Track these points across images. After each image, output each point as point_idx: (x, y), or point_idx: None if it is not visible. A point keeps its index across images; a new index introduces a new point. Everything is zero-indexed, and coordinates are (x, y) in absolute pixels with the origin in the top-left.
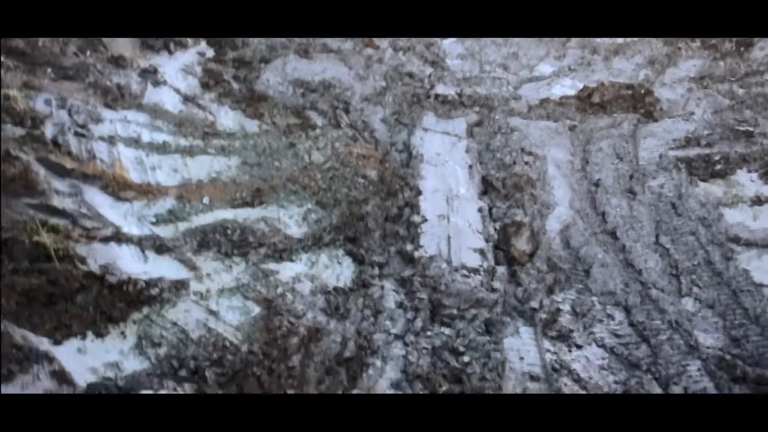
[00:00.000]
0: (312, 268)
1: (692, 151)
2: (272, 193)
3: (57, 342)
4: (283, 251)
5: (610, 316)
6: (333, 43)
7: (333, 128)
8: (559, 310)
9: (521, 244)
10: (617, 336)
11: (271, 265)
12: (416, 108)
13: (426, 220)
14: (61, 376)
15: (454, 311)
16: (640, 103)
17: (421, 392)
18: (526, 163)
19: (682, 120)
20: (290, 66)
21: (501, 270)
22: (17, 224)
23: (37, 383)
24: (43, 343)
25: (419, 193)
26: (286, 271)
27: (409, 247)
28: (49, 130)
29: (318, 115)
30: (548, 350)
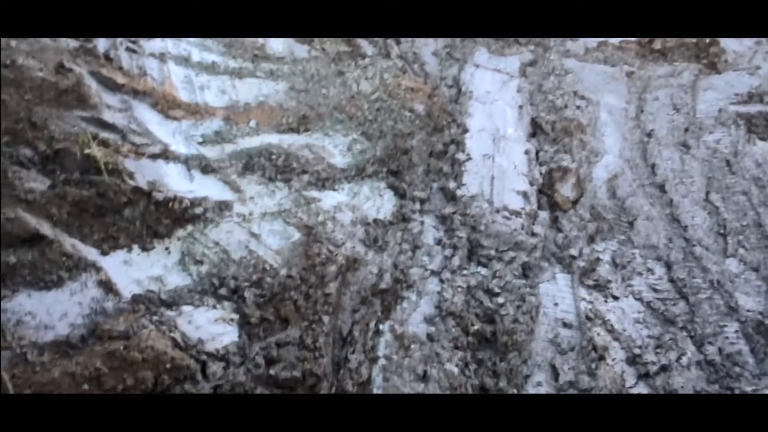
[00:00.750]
0: (353, 198)
1: (754, 108)
2: (318, 121)
3: (104, 253)
4: (326, 180)
5: (650, 270)
6: None
7: (383, 58)
8: (598, 259)
9: (566, 190)
10: (655, 291)
11: (314, 193)
12: (469, 42)
13: (471, 158)
14: (107, 285)
15: (492, 252)
16: (703, 53)
17: (453, 329)
18: (578, 107)
19: (747, 74)
20: None
21: (543, 215)
22: (69, 136)
23: (85, 291)
24: (92, 253)
25: (466, 130)
26: (328, 199)
27: (451, 184)
28: (101, 44)
29: (368, 44)
30: (583, 299)
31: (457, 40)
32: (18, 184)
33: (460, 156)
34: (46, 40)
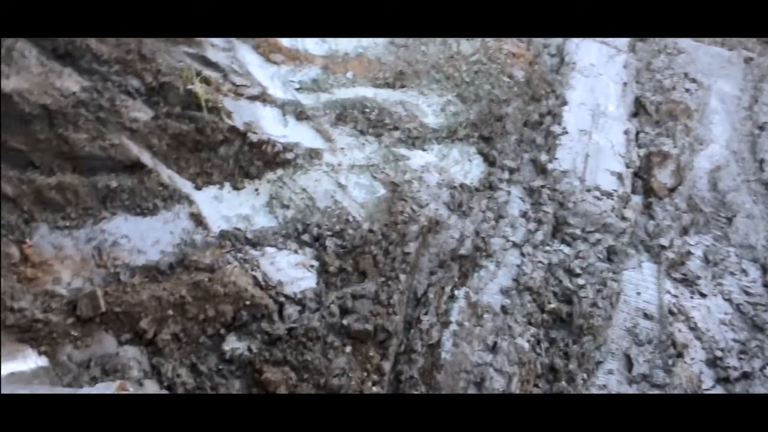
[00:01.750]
0: (442, 160)
1: None
2: (415, 78)
3: (198, 187)
4: (417, 138)
5: (744, 272)
6: None
7: None
8: (689, 253)
9: (663, 176)
10: (747, 293)
11: (403, 150)
12: None
13: (566, 132)
14: (197, 218)
15: (578, 231)
16: None
17: (529, 304)
18: (687, 90)
19: None
20: None
21: (636, 199)
22: (175, 71)
23: (177, 221)
24: (186, 186)
25: (565, 102)
26: (416, 158)
27: (543, 157)
28: None
29: None
30: (668, 292)
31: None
32: (124, 113)
33: (556, 129)
34: None
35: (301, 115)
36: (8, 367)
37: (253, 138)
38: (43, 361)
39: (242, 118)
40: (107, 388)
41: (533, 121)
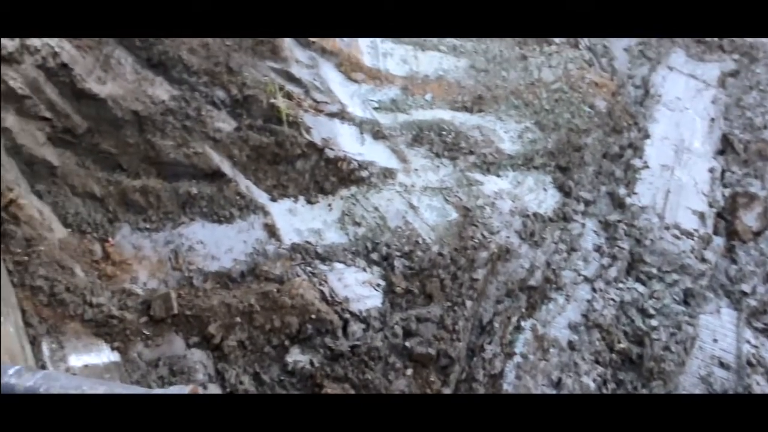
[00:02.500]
0: (516, 187)
1: None
2: (493, 103)
3: (273, 199)
4: (492, 164)
5: None
6: None
7: (570, 48)
8: None
9: (749, 219)
10: None
11: (477, 175)
12: (666, 42)
13: (648, 166)
14: (271, 229)
15: (654, 270)
16: None
17: (597, 342)
18: None
19: None
20: None
21: (718, 241)
22: (259, 84)
23: (251, 231)
24: (262, 197)
25: (647, 136)
26: (490, 184)
27: (622, 190)
28: None
29: None
30: (748, 341)
31: (653, 39)
32: (208, 122)
33: (637, 162)
34: None
35: (378, 134)
36: (83, 359)
37: (330, 154)
38: (115, 357)
39: (320, 134)
40: (180, 390)
41: (613, 154)
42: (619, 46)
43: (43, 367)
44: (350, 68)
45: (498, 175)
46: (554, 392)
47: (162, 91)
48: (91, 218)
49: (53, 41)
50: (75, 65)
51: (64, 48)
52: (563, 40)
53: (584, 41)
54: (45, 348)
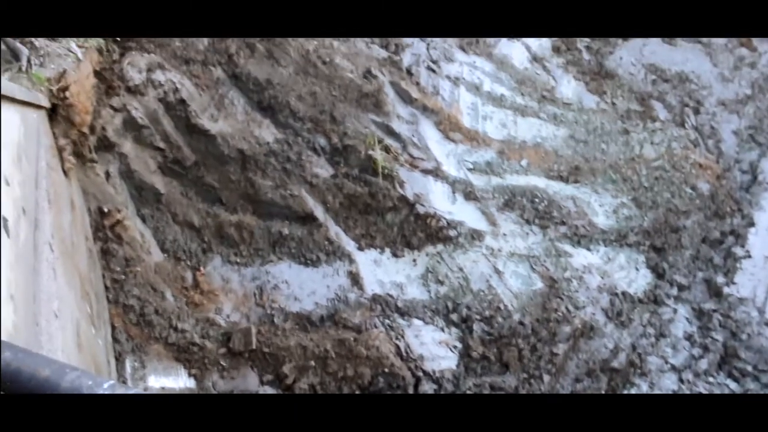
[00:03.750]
0: (606, 263)
1: None
2: (590, 175)
3: (360, 248)
4: (583, 237)
5: None
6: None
7: (675, 126)
8: None
9: None
10: None
11: (567, 247)
12: None
13: (750, 256)
14: (354, 278)
15: (749, 368)
16: None
17: None
18: None
19: None
20: (649, 49)
21: None
22: (359, 135)
23: (335, 277)
24: (350, 245)
25: (751, 224)
26: (580, 257)
27: (720, 279)
28: (406, 59)
29: (663, 107)
30: None
31: (765, 122)
32: (307, 167)
33: (738, 251)
34: (362, 46)
35: (470, 195)
36: (161, 381)
37: (421, 210)
38: (191, 383)
39: (413, 189)
40: None
41: (713, 239)
42: (727, 128)
43: (124, 383)
44: (449, 127)
45: (588, 249)
46: None
47: (268, 133)
48: (187, 246)
49: (176, 77)
50: (192, 101)
51: (184, 85)
52: (668, 117)
53: (691, 120)
54: (128, 365)
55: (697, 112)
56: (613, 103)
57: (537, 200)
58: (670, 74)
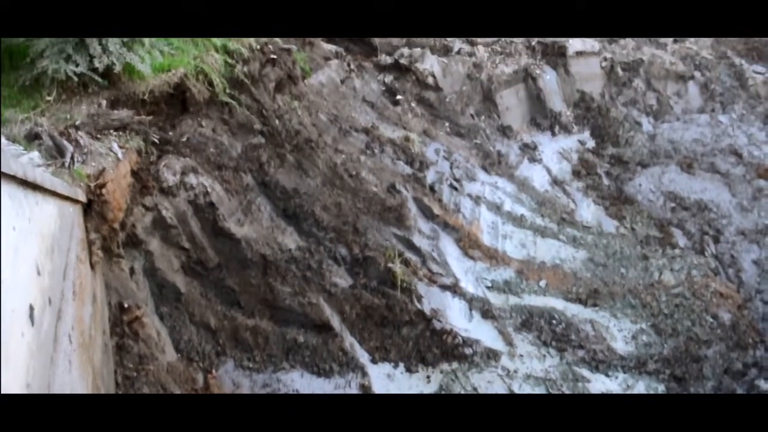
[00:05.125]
0: (625, 390)
1: None
2: (609, 299)
3: (374, 360)
4: (601, 362)
5: None
6: (722, 165)
7: (695, 253)
8: None
9: None
10: None
11: (584, 371)
12: None
13: None
14: (366, 392)
15: None
16: None
17: None
18: None
19: None
20: (668, 177)
21: None
22: (380, 247)
23: (347, 389)
24: (364, 357)
25: None
26: (598, 383)
27: None
28: (430, 176)
29: (683, 234)
30: None
31: None
32: (327, 276)
33: (762, 384)
34: (388, 162)
35: (488, 313)
36: None
37: (437, 325)
38: None
39: (431, 304)
40: None
41: (735, 370)
42: (747, 258)
43: None
44: (468, 244)
45: (607, 375)
46: None
47: (291, 240)
48: (201, 347)
49: (208, 181)
50: (221, 205)
51: (215, 189)
52: (688, 245)
53: (711, 249)
54: None
55: (716, 240)
56: (633, 229)
57: (555, 322)
58: (689, 202)
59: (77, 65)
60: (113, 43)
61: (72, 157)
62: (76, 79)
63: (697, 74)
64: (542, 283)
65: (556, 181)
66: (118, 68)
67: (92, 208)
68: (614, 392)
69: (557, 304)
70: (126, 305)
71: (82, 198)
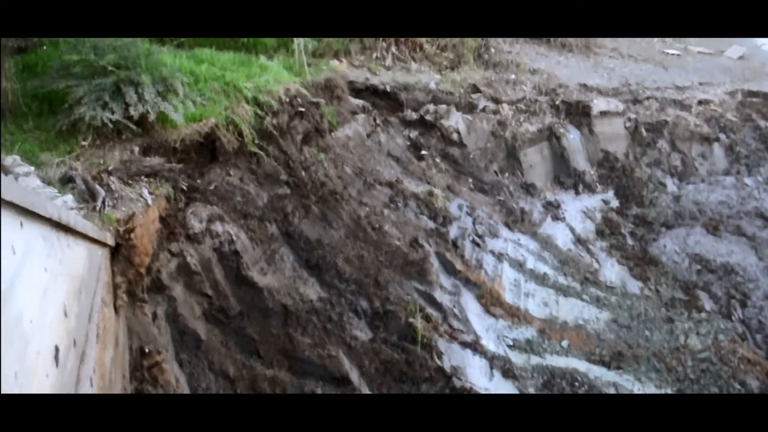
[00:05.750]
0: None
1: None
2: (633, 362)
3: None
4: None
5: None
6: (748, 228)
7: (721, 318)
8: None
9: None
10: None
11: None
12: None
13: None
14: None
15: None
16: None
17: None
18: None
19: None
20: (693, 239)
21: None
22: (401, 301)
23: None
24: None
25: None
26: None
27: None
28: (453, 231)
29: (709, 298)
30: None
31: None
32: (347, 329)
33: None
34: (411, 216)
35: (508, 372)
36: None
37: (457, 383)
38: None
39: (451, 361)
40: None
41: None
42: None
43: None
44: (490, 301)
45: None
46: None
47: (312, 291)
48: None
49: (233, 230)
50: (245, 254)
51: (240, 237)
52: (714, 308)
53: (738, 313)
54: None
55: (744, 305)
56: (657, 291)
57: (577, 384)
58: (715, 265)
59: (113, 113)
60: (149, 93)
61: (103, 201)
62: (111, 125)
63: (722, 136)
64: (564, 344)
65: (579, 240)
66: (152, 117)
67: (120, 252)
68: None
69: (580, 365)
70: (147, 350)
71: (111, 242)
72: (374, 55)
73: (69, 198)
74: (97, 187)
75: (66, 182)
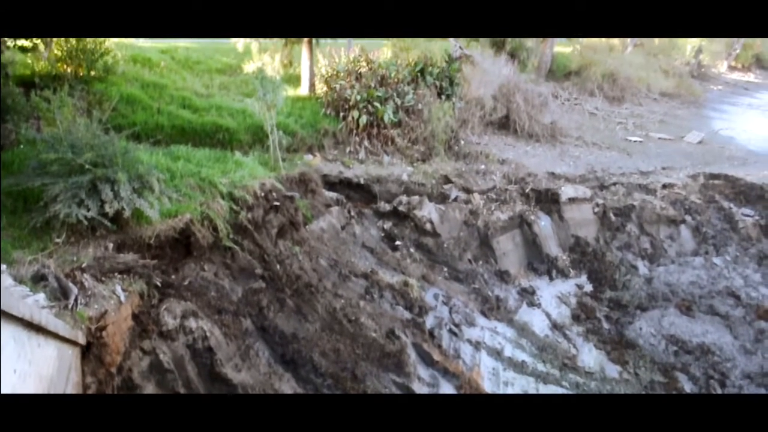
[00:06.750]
0: None
1: None
2: None
3: None
4: None
5: None
6: (721, 307)
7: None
8: None
9: None
10: None
11: None
12: None
13: None
14: None
15: None
16: None
17: None
18: None
19: None
20: (668, 320)
21: None
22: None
23: None
24: None
25: None
26: None
27: None
28: (429, 321)
29: (688, 379)
30: None
31: None
32: None
33: None
34: (387, 307)
35: None
36: None
37: None
38: None
39: None
40: None
41: None
42: None
43: None
44: (469, 392)
45: None
46: None
47: (288, 386)
48: None
49: (207, 325)
50: (219, 350)
51: (214, 333)
52: (694, 389)
53: (718, 393)
54: None
55: (723, 384)
56: (636, 374)
57: None
58: (692, 346)
59: (89, 210)
60: (125, 190)
61: (76, 299)
62: (86, 222)
63: (687, 218)
64: None
65: (556, 326)
66: (127, 213)
67: (91, 351)
68: None
69: None
70: None
71: (82, 340)
72: (347, 149)
73: (41, 296)
74: (70, 284)
75: (38, 280)
